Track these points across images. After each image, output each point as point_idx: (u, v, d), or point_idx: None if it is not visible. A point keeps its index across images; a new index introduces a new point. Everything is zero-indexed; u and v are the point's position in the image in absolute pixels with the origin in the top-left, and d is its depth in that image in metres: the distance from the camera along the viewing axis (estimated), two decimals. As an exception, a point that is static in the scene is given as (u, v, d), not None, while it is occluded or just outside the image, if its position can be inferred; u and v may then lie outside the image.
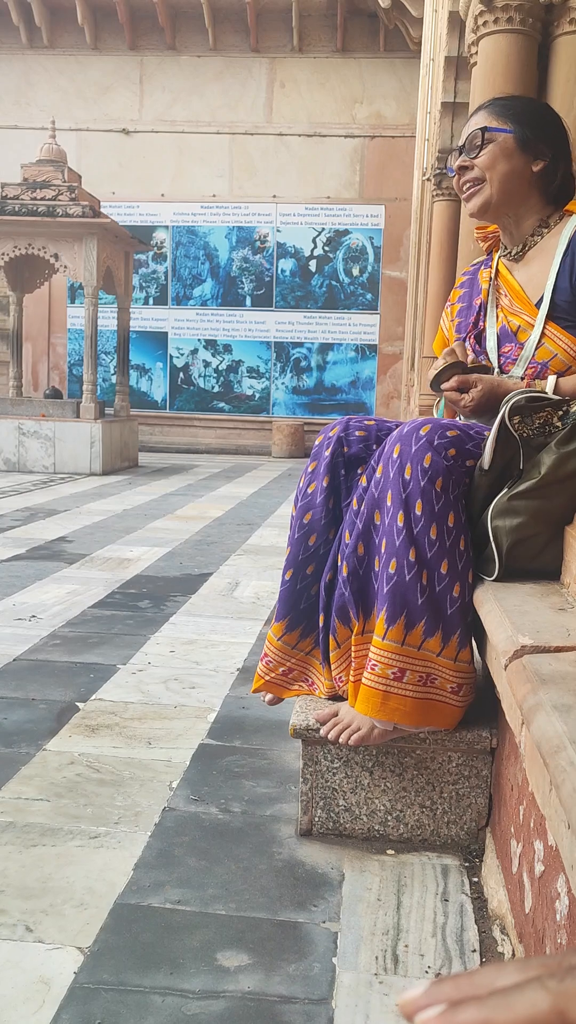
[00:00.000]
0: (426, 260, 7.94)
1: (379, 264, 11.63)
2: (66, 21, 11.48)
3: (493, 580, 1.33)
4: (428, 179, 7.53)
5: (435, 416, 1.60)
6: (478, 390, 1.44)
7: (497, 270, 1.61)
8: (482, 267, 1.67)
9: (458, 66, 5.79)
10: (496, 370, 1.53)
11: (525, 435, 1.33)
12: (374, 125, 11.44)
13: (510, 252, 1.59)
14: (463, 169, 1.53)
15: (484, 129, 1.50)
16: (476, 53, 3.90)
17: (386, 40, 11.12)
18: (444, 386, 1.47)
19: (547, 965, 0.27)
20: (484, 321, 1.59)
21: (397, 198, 11.37)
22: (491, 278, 1.61)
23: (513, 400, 1.33)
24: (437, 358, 1.55)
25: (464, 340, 1.60)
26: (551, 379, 1.42)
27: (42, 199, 7.87)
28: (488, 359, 1.55)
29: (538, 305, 1.50)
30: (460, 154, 1.53)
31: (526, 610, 1.16)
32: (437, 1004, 0.27)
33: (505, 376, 1.50)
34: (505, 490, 1.33)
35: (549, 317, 1.48)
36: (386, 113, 11.41)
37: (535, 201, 1.53)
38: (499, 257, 1.63)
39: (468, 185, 1.53)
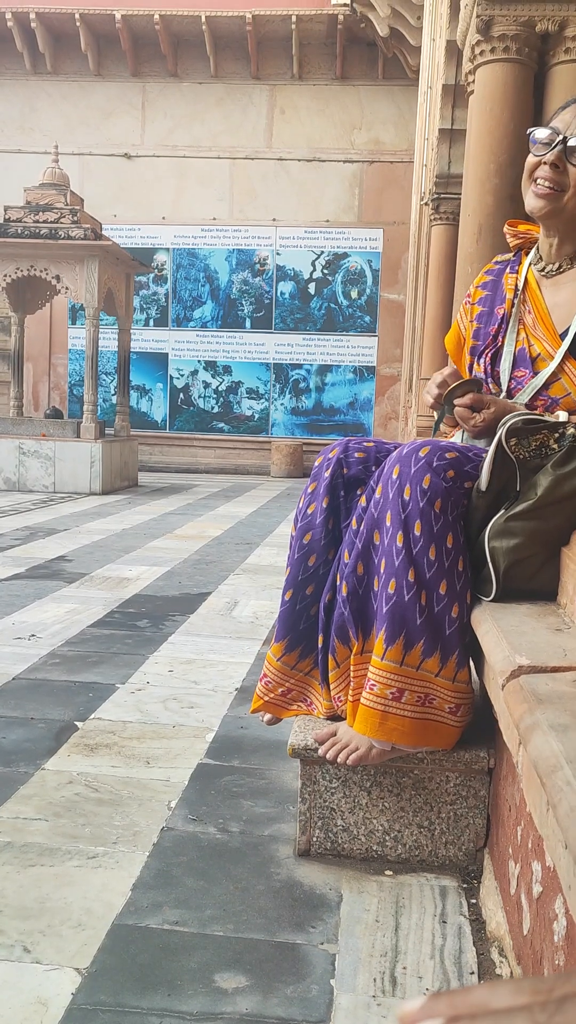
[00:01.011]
0: (424, 283, 8.02)
1: (377, 287, 11.73)
2: (69, 48, 11.67)
3: (490, 600, 1.34)
4: (426, 203, 7.62)
5: (433, 432, 1.58)
6: (491, 412, 1.41)
7: (526, 280, 1.53)
8: (508, 270, 1.57)
9: (455, 94, 5.89)
10: (503, 393, 1.50)
11: (522, 457, 1.34)
12: (372, 151, 11.60)
13: (544, 267, 1.51)
14: (554, 166, 1.38)
15: None
16: (473, 82, 3.97)
17: (385, 68, 11.30)
18: (458, 402, 1.44)
19: (539, 991, 0.28)
20: (503, 337, 1.52)
21: (395, 222, 11.51)
22: (517, 288, 1.53)
23: (510, 422, 1.35)
24: (434, 374, 1.52)
25: (482, 354, 1.55)
26: (562, 415, 1.38)
27: (45, 222, 7.96)
28: (498, 382, 1.51)
29: (562, 337, 1.45)
30: (559, 144, 1.37)
31: (523, 630, 1.17)
32: (433, 1019, 0.28)
33: (513, 401, 1.46)
34: (502, 511, 1.34)
35: (571, 352, 1.43)
36: (384, 139, 11.57)
37: None
38: (529, 265, 1.53)
39: (547, 183, 1.39)
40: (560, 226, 1.45)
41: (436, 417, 1.53)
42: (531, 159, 1.42)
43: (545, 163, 1.39)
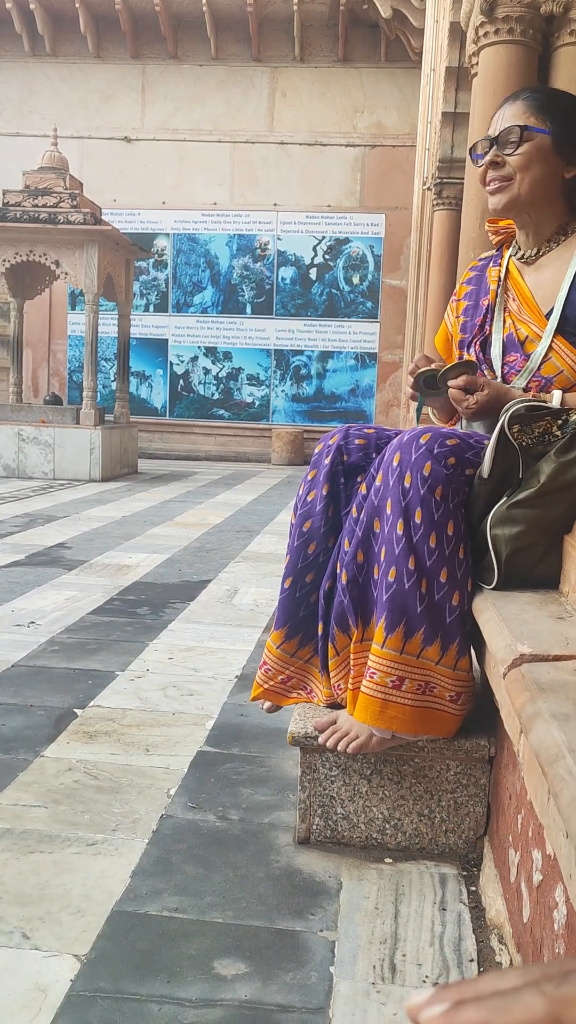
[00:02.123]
0: (426, 269, 7.97)
1: (379, 273, 11.67)
2: (69, 30, 11.55)
3: (492, 589, 1.34)
4: (428, 188, 7.56)
5: (411, 414, 1.59)
6: (484, 394, 1.41)
7: (507, 270, 1.55)
8: (491, 264, 1.60)
9: (459, 76, 5.83)
10: (498, 379, 1.50)
11: (524, 444, 1.33)
12: (375, 134, 11.50)
13: (523, 254, 1.54)
14: (494, 164, 1.46)
15: (524, 127, 1.42)
16: (477, 64, 3.93)
17: (387, 50, 11.19)
18: (451, 383, 1.43)
19: (547, 972, 0.28)
20: (491, 326, 1.54)
21: (397, 207, 11.42)
22: (500, 278, 1.55)
23: (512, 409, 1.33)
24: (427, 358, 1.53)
25: (470, 344, 1.57)
26: (556, 394, 1.39)
27: (44, 206, 7.90)
28: (492, 367, 1.52)
29: (548, 316, 1.46)
30: (492, 145, 1.45)
31: (525, 619, 1.16)
32: (440, 1004, 0.28)
33: (509, 386, 1.47)
34: (504, 499, 1.33)
35: (558, 331, 1.44)
36: (387, 123, 11.47)
37: (559, 207, 1.48)
38: (510, 256, 1.57)
39: (495, 182, 1.46)
40: (526, 213, 1.49)
41: (416, 406, 1.54)
42: (479, 172, 1.50)
43: (487, 167, 1.47)
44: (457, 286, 1.68)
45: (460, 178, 5.62)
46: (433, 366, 1.48)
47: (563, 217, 1.50)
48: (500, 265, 1.58)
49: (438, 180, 7.01)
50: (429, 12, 7.83)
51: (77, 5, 11.05)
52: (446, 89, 6.07)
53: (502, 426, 1.32)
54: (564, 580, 1.31)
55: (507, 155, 1.44)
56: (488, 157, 1.46)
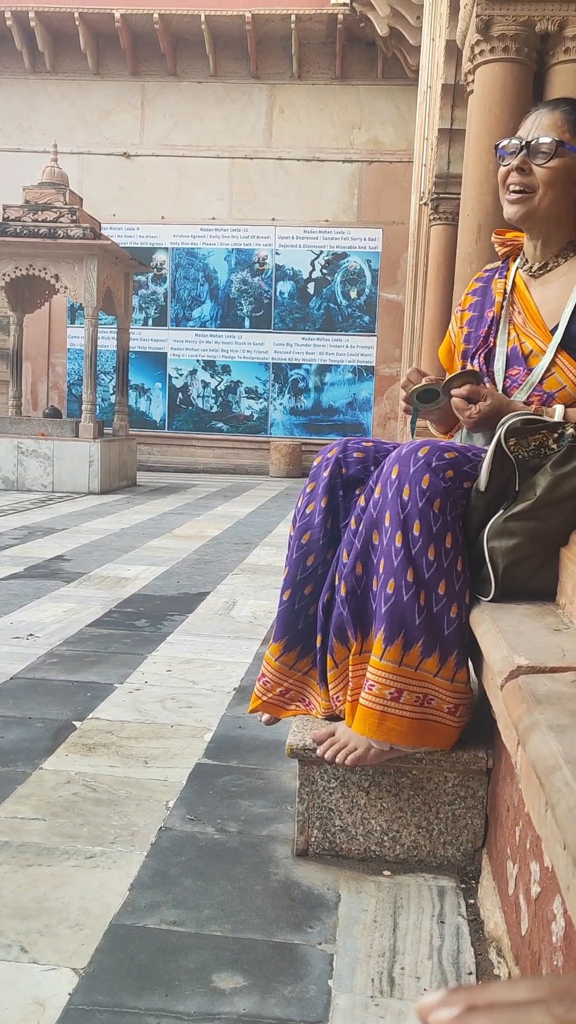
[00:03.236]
0: (423, 283, 8.02)
1: (376, 287, 11.73)
2: (69, 47, 11.66)
3: (489, 601, 1.34)
4: (425, 203, 7.62)
5: (407, 429, 1.59)
6: (487, 404, 1.41)
7: (514, 283, 1.56)
8: (496, 276, 1.60)
9: (455, 94, 5.89)
10: (501, 393, 1.51)
11: (520, 457, 1.34)
12: (372, 150, 11.60)
13: (531, 266, 1.54)
14: (520, 170, 1.44)
15: (560, 143, 1.41)
16: (473, 81, 3.97)
17: (384, 68, 11.30)
18: (455, 392, 1.44)
19: (556, 989, 0.28)
20: (495, 338, 1.55)
21: (395, 222, 11.50)
22: (506, 291, 1.56)
23: (509, 422, 1.34)
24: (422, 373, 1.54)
25: (474, 356, 1.57)
26: (559, 408, 1.40)
27: (43, 221, 7.95)
28: (494, 380, 1.53)
29: (553, 331, 1.47)
30: (522, 149, 1.43)
31: (522, 631, 1.17)
32: (451, 1008, 0.28)
33: (511, 399, 1.47)
34: (501, 511, 1.34)
35: (562, 346, 1.45)
36: (384, 139, 11.57)
37: (570, 226, 1.49)
38: (516, 268, 1.57)
39: (517, 189, 1.45)
40: (540, 227, 1.49)
41: (410, 420, 1.55)
42: (502, 170, 1.48)
43: (512, 169, 1.45)
44: (462, 297, 1.68)
45: (456, 193, 5.66)
46: (425, 381, 1.49)
47: (572, 234, 1.51)
48: (506, 277, 1.58)
49: (435, 195, 7.06)
50: (425, 30, 7.92)
51: (77, 23, 11.17)
52: (442, 106, 6.13)
53: (498, 439, 1.33)
54: (560, 592, 1.32)
55: (537, 164, 1.43)
56: (516, 161, 1.44)
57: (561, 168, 1.43)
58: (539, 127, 1.44)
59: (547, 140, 1.42)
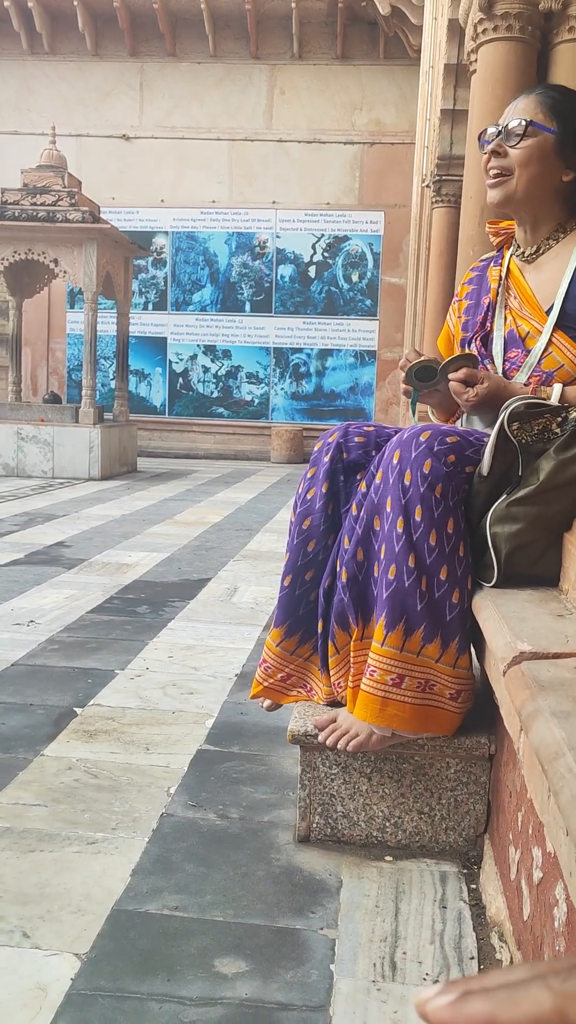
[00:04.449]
0: (425, 266, 7.96)
1: (378, 270, 11.65)
2: (67, 27, 11.52)
3: (492, 586, 1.33)
4: (427, 186, 7.55)
5: (409, 412, 1.59)
6: (484, 387, 1.42)
7: (508, 269, 1.57)
8: (492, 264, 1.62)
9: (457, 73, 5.82)
10: (499, 375, 1.51)
11: (524, 441, 1.33)
12: (373, 132, 11.48)
13: (523, 252, 1.55)
14: (496, 154, 1.48)
15: (530, 122, 1.44)
16: (475, 61, 3.92)
17: (386, 47, 11.16)
18: (452, 376, 1.44)
19: (554, 967, 0.28)
20: (492, 323, 1.56)
21: (396, 204, 11.40)
22: (501, 277, 1.57)
23: (512, 407, 1.33)
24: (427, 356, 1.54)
25: (471, 341, 1.58)
26: (557, 387, 1.41)
27: (42, 204, 7.89)
28: (493, 363, 1.54)
29: (548, 312, 1.48)
30: (499, 135, 1.47)
31: (525, 616, 1.16)
32: (448, 996, 0.28)
33: (510, 382, 1.48)
34: (504, 496, 1.33)
35: (558, 326, 1.46)
36: (386, 120, 11.45)
37: (556, 209, 1.50)
38: (511, 255, 1.59)
39: (495, 172, 1.48)
40: (523, 210, 1.51)
41: (410, 401, 1.55)
42: (483, 158, 1.50)
43: (489, 154, 1.48)
44: (458, 287, 1.70)
45: (459, 175, 5.61)
46: (423, 359, 1.49)
47: (560, 217, 1.52)
48: (501, 265, 1.59)
49: (437, 177, 7.00)
50: (428, 9, 7.82)
51: (75, 3, 11.03)
52: (445, 86, 6.06)
53: (501, 423, 1.32)
54: (564, 577, 1.31)
55: (510, 147, 1.46)
56: (492, 145, 1.48)
57: (534, 147, 1.45)
58: (514, 111, 1.48)
59: (518, 121, 1.45)
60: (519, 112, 1.47)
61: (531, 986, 0.27)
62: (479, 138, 1.52)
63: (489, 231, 1.68)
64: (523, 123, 1.44)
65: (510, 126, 1.46)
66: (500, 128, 1.48)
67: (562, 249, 1.50)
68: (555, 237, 1.51)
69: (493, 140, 1.48)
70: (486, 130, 1.50)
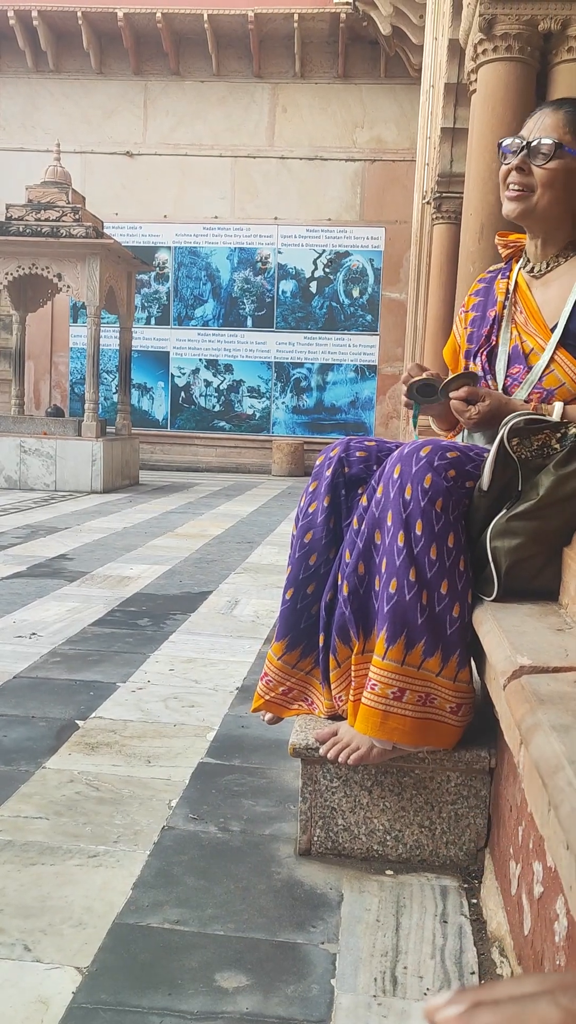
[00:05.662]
0: (426, 282, 8.01)
1: (379, 286, 11.72)
2: (72, 46, 11.66)
3: (492, 600, 1.34)
4: (428, 202, 7.61)
5: (410, 426, 1.60)
6: (485, 404, 1.42)
7: (516, 283, 1.57)
8: (499, 276, 1.62)
9: (458, 93, 5.88)
10: (500, 390, 1.52)
11: (523, 457, 1.34)
12: (374, 149, 11.58)
13: (532, 267, 1.56)
14: (519, 169, 1.46)
15: (559, 145, 1.42)
16: (476, 80, 3.97)
17: (387, 67, 11.29)
18: (453, 394, 1.45)
19: (563, 982, 0.29)
20: (497, 337, 1.56)
21: (397, 221, 11.49)
22: (508, 291, 1.57)
23: (512, 422, 1.35)
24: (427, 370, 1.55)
25: (476, 354, 1.58)
26: (558, 406, 1.40)
27: (46, 220, 7.96)
28: (494, 379, 1.54)
29: (553, 330, 1.48)
30: (523, 150, 1.45)
31: (524, 630, 1.17)
32: (458, 1006, 0.29)
33: (511, 398, 1.48)
34: (504, 511, 1.34)
35: (562, 344, 1.46)
36: (386, 137, 11.56)
37: (569, 227, 1.51)
38: (519, 269, 1.59)
39: (516, 187, 1.47)
40: (538, 225, 1.51)
41: (412, 414, 1.56)
42: (503, 168, 1.50)
43: (512, 168, 1.47)
44: (465, 298, 1.70)
45: (459, 192, 5.66)
46: (425, 375, 1.50)
47: (572, 235, 1.52)
48: (509, 278, 1.60)
49: (437, 194, 7.06)
50: (428, 29, 7.91)
51: (80, 22, 11.16)
52: (445, 105, 6.13)
53: (501, 439, 1.33)
54: (563, 592, 1.32)
55: (536, 165, 1.45)
56: (516, 161, 1.46)
57: (560, 170, 1.44)
58: (541, 127, 1.46)
59: (548, 142, 1.43)
60: (546, 130, 1.44)
61: (540, 1001, 0.28)
62: (500, 145, 1.50)
63: (499, 243, 1.67)
64: (553, 144, 1.42)
65: (539, 145, 1.44)
66: (525, 142, 1.45)
67: (570, 267, 1.51)
68: (564, 255, 1.52)
69: (517, 154, 1.46)
70: (511, 140, 1.47)
